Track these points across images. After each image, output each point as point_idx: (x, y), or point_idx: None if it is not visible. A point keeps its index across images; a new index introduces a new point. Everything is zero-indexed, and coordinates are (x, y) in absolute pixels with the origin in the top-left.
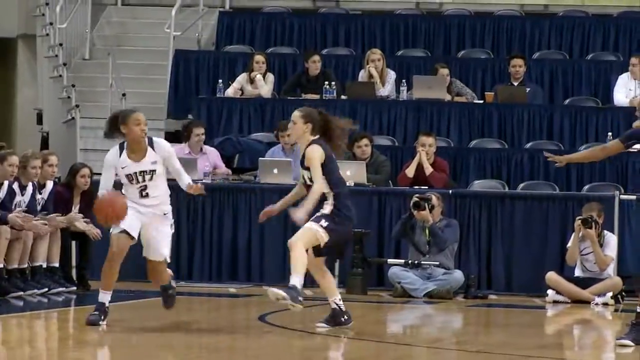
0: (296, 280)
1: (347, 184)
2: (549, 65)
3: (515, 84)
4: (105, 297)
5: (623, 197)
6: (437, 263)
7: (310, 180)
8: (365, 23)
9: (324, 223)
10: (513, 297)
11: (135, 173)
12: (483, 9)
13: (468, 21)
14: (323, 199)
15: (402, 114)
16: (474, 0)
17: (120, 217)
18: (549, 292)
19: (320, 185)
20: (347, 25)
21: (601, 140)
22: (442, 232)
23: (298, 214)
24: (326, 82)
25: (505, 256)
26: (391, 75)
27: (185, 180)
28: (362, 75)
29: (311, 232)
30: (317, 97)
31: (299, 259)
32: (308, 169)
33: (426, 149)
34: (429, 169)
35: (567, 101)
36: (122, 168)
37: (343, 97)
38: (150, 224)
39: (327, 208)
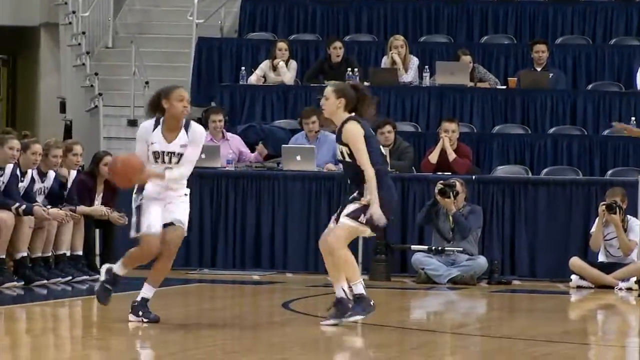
0: (359, 288)
1: None
2: (572, 51)
3: (538, 69)
4: (122, 270)
5: None
6: (461, 249)
7: (350, 156)
8: (388, 9)
9: (363, 219)
10: (537, 283)
11: (163, 152)
12: None
13: (491, 7)
14: (363, 178)
15: (425, 100)
16: None
17: (138, 174)
18: (573, 277)
19: (371, 170)
20: (369, 11)
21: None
22: (465, 220)
23: (375, 211)
24: (349, 69)
25: (528, 242)
26: (414, 61)
27: (173, 171)
28: (384, 62)
29: (349, 231)
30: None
31: (349, 264)
32: (345, 144)
33: (449, 135)
34: (452, 155)
35: (590, 86)
36: (152, 144)
37: (366, 83)
38: (170, 202)
39: (366, 196)
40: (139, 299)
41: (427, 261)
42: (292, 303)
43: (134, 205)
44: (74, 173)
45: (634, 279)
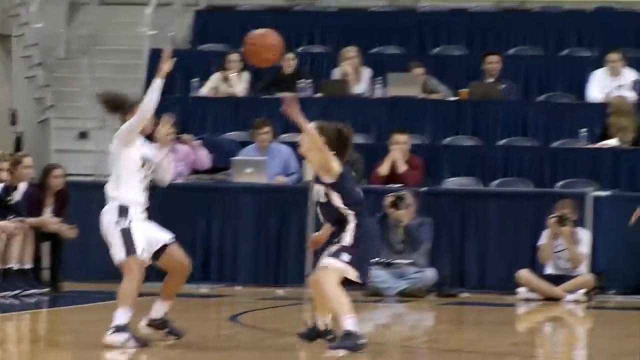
0: (348, 323)
1: None
2: (524, 62)
3: (490, 80)
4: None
5: (596, 193)
6: (410, 261)
7: (326, 195)
8: (340, 20)
9: (345, 257)
10: (485, 295)
11: (149, 157)
12: (458, 5)
13: (443, 18)
14: (342, 219)
15: (377, 111)
16: None
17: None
18: (521, 289)
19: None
20: (322, 22)
21: (575, 136)
22: (416, 231)
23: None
24: (301, 80)
25: (478, 254)
26: (366, 72)
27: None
28: (337, 73)
29: (333, 271)
30: (292, 95)
31: (337, 299)
32: (325, 184)
33: (400, 146)
34: (403, 167)
35: (541, 97)
36: (140, 146)
37: (318, 94)
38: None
39: (347, 236)
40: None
41: (375, 274)
42: (240, 316)
43: (118, 229)
44: (23, 185)
45: (582, 291)
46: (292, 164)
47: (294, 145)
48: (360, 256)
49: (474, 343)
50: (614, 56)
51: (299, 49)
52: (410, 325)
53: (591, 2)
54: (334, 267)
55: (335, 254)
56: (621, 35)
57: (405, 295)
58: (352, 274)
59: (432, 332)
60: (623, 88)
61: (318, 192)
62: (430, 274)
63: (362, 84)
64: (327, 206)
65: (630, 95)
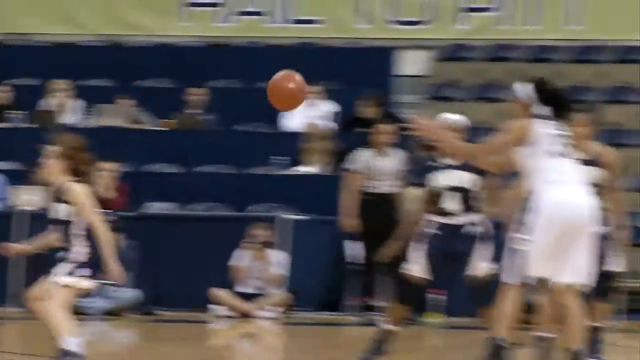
0: (68, 342)
1: (31, 208)
2: (227, 93)
3: (195, 111)
4: None
5: (293, 217)
6: (113, 282)
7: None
8: (51, 54)
9: (84, 272)
10: (185, 313)
11: None
12: (164, 40)
13: (149, 52)
14: (73, 237)
15: (85, 140)
16: (156, 32)
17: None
18: (216, 306)
19: (102, 223)
20: (32, 55)
21: (273, 163)
22: (122, 253)
23: (115, 272)
24: (13, 111)
25: (179, 274)
26: (76, 103)
27: None
28: (47, 104)
29: (66, 291)
30: (4, 125)
31: (57, 318)
32: (66, 202)
33: (106, 173)
34: (109, 193)
35: (243, 127)
36: None
37: (29, 125)
38: None
39: (81, 252)
40: None
41: None
42: None
43: None
44: None
45: (277, 308)
46: (1, 190)
47: (4, 173)
48: (95, 268)
49: (167, 357)
50: (311, 88)
51: (12, 81)
52: (110, 343)
53: (293, 38)
54: (66, 285)
55: (70, 271)
56: (320, 69)
57: (108, 314)
58: (88, 285)
59: (133, 348)
60: (319, 118)
61: (57, 209)
62: (132, 294)
63: (71, 114)
64: (65, 224)
65: (326, 124)
